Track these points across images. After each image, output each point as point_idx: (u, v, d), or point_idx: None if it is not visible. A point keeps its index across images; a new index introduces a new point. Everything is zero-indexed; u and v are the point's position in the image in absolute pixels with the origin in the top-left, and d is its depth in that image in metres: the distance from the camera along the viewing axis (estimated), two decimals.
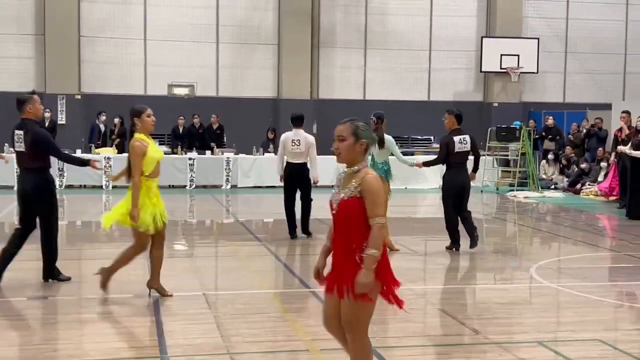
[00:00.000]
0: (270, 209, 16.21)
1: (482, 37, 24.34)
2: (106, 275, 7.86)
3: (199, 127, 21.16)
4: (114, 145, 20.33)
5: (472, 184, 11.06)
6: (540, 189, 19.80)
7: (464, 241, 10.72)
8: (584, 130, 21.31)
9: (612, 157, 17.99)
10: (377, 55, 24.35)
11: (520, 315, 7.57)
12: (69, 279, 8.53)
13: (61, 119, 21.80)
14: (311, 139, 11.70)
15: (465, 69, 24.96)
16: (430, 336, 6.77)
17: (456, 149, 10.65)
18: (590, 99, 24.68)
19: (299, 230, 11.83)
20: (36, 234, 8.52)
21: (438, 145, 12.47)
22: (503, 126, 21.14)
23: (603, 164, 19.23)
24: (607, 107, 21.48)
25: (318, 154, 11.83)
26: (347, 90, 24.22)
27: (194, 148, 20.26)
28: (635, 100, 23.16)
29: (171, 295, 7.79)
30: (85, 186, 19.12)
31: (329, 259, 4.72)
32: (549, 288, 8.76)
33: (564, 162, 20.97)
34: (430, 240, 12.21)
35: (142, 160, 7.51)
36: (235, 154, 20.17)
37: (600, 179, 19.12)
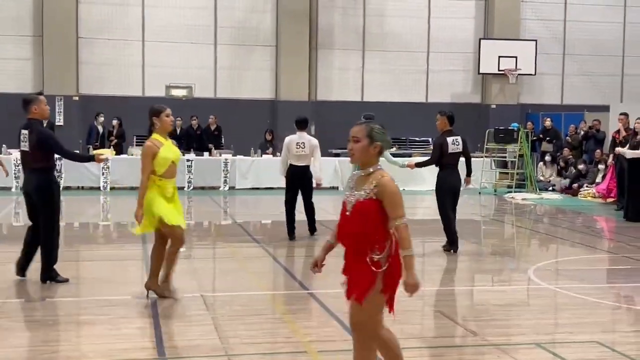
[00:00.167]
0: (268, 210, 16.23)
1: (480, 39, 24.36)
2: (166, 285, 7.74)
3: (197, 128, 21.17)
4: (111, 147, 20.31)
5: (469, 186, 11.12)
6: (538, 190, 19.82)
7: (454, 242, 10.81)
8: (582, 132, 21.33)
9: (610, 159, 18.01)
10: (375, 56, 24.37)
11: (518, 317, 7.58)
12: (67, 280, 8.52)
13: (59, 120, 21.78)
14: (315, 141, 11.79)
15: (463, 71, 24.98)
16: (427, 338, 6.77)
17: (450, 150, 10.73)
18: (588, 101, 24.71)
19: (300, 230, 11.87)
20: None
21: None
22: (501, 128, 21.15)
23: (601, 166, 19.25)
24: (605, 109, 21.50)
25: None
26: (345, 92, 24.23)
27: (192, 149, 20.26)
28: (633, 102, 23.18)
29: (169, 297, 7.79)
30: (83, 187, 19.12)
31: (327, 256, 4.76)
32: (546, 290, 8.77)
33: (561, 164, 20.99)
34: (427, 241, 12.21)
35: (151, 161, 7.49)
36: (233, 155, 20.17)
37: (598, 180, 19.14)
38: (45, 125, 9.47)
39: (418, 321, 7.27)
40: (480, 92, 25.10)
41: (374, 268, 4.53)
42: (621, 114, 17.46)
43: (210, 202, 17.69)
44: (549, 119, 22.15)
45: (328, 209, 14.50)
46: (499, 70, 24.14)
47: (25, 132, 8.39)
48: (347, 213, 4.63)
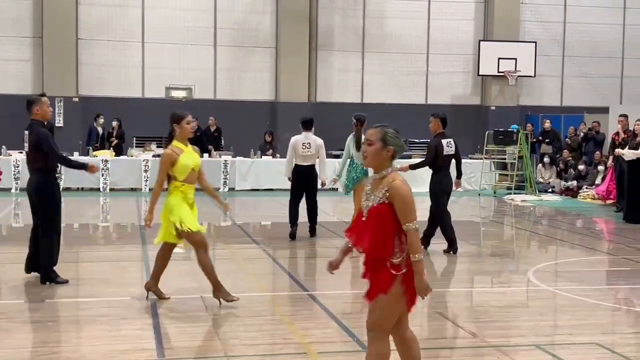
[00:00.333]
0: (268, 211, 16.23)
1: (479, 41, 24.37)
2: (217, 294, 7.67)
3: (197, 129, 21.13)
4: (111, 148, 20.33)
5: (459, 189, 11.21)
6: (537, 192, 19.82)
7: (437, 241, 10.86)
8: (581, 134, 21.34)
9: (610, 161, 18.02)
10: (375, 58, 24.37)
11: (517, 319, 7.59)
12: (66, 281, 8.52)
13: (59, 122, 21.77)
14: (320, 141, 11.90)
15: (463, 73, 24.98)
16: (427, 339, 6.77)
17: (444, 152, 10.77)
18: (587, 103, 24.72)
19: (300, 231, 11.90)
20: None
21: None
22: (500, 129, 21.16)
23: (600, 168, 19.26)
24: (605, 110, 21.51)
25: None
26: (345, 93, 24.23)
27: None
28: (633, 103, 23.21)
29: (168, 298, 7.79)
30: (82, 189, 19.12)
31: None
32: (546, 291, 8.77)
33: (561, 165, 20.99)
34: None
35: (168, 168, 7.47)
36: (232, 156, 20.18)
37: (597, 182, 19.15)
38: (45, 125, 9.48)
39: (418, 322, 7.27)
40: (480, 93, 25.10)
41: (393, 271, 4.58)
42: (621, 115, 17.47)
43: (210, 203, 17.61)
44: (548, 121, 22.16)
45: (328, 210, 14.51)
46: (498, 72, 24.14)
47: (26, 132, 8.47)
48: (364, 218, 4.66)
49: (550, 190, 20.48)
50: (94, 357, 6.02)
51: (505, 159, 21.61)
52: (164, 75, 22.68)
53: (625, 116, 17.19)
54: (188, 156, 7.57)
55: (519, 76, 24.32)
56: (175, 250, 11.62)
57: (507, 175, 21.45)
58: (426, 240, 10.80)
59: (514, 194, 19.85)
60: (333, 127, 20.02)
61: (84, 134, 20.97)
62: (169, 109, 23.56)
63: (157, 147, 21.04)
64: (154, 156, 19.82)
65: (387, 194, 4.55)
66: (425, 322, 7.41)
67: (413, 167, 11.41)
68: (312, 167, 11.92)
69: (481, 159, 21.51)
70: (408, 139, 23.83)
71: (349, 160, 11.97)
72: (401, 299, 4.65)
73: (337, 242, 11.30)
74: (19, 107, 9.88)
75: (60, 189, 8.81)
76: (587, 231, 14.37)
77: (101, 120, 20.70)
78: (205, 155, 20.11)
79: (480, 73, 24.41)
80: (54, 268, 8.55)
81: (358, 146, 10.84)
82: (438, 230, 11.03)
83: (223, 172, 19.71)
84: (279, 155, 20.47)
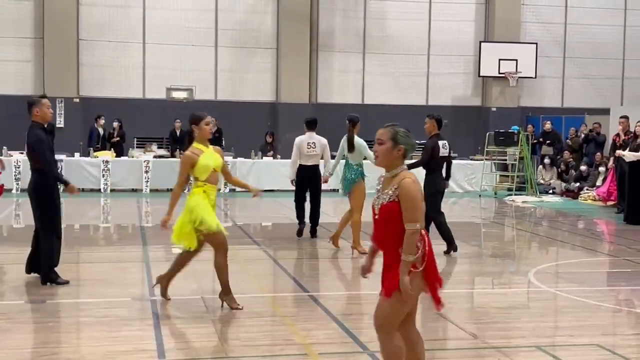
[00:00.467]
0: (269, 212, 16.22)
1: (480, 42, 24.37)
2: (224, 297, 7.63)
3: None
4: (112, 149, 20.33)
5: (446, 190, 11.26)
6: (538, 193, 19.82)
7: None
8: (582, 135, 21.34)
9: (611, 162, 18.01)
10: (376, 59, 24.37)
11: (518, 320, 7.58)
12: (67, 282, 8.52)
13: (60, 123, 21.79)
14: (324, 141, 12.07)
15: (464, 74, 24.98)
16: (428, 341, 6.73)
17: (440, 153, 10.77)
18: (588, 104, 24.72)
19: (305, 231, 11.95)
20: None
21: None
22: (501, 130, 21.15)
23: (601, 169, 19.26)
24: (606, 112, 21.50)
25: None
26: (346, 94, 24.23)
27: None
28: (634, 105, 23.20)
29: (169, 299, 7.79)
30: (83, 189, 19.10)
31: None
32: (547, 293, 8.77)
33: (562, 167, 20.99)
34: None
35: (189, 170, 7.46)
36: (233, 157, 20.17)
37: (598, 183, 19.15)
38: (46, 127, 9.47)
39: (418, 324, 7.23)
40: (481, 94, 25.10)
41: (411, 269, 4.58)
42: (621, 116, 17.47)
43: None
44: (549, 122, 22.16)
45: (328, 211, 14.50)
46: (499, 73, 24.13)
47: (26, 133, 8.49)
48: (376, 217, 4.68)
49: (551, 191, 20.48)
50: (94, 358, 6.02)
51: (506, 160, 21.60)
52: (165, 76, 22.69)
53: (626, 117, 17.19)
54: (208, 156, 7.55)
55: (519, 77, 24.31)
56: (175, 251, 11.62)
57: (507, 176, 21.45)
58: (448, 242, 10.81)
59: (515, 195, 19.84)
60: (334, 127, 19.91)
61: (85, 134, 20.98)
62: (169, 109, 23.67)
63: (158, 147, 21.05)
64: (155, 157, 19.84)
65: (397, 192, 4.57)
66: (425, 324, 7.41)
67: (409, 167, 11.41)
68: (317, 167, 12.06)
69: (482, 160, 21.51)
70: None
71: (343, 161, 12.00)
72: (417, 295, 4.68)
73: (338, 243, 11.28)
74: (19, 108, 9.88)
75: (61, 189, 8.79)
76: (587, 232, 14.37)
77: (102, 121, 20.70)
78: None
79: (481, 74, 24.41)
80: (55, 269, 8.55)
81: (351, 147, 10.89)
82: (436, 232, 11.02)
83: None
84: (279, 156, 20.47)
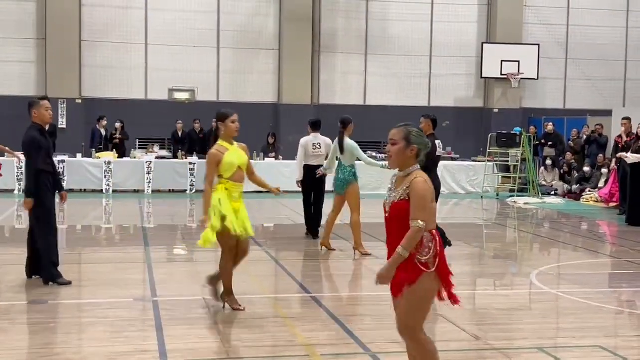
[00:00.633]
0: (271, 214, 16.22)
1: (482, 43, 24.36)
2: (226, 298, 7.59)
3: (200, 131, 21.18)
4: (114, 150, 20.35)
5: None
6: (540, 194, 19.80)
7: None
8: (584, 137, 21.33)
9: (613, 164, 18.00)
10: (378, 60, 24.37)
11: (520, 321, 7.57)
12: (69, 283, 8.52)
13: (62, 123, 21.82)
14: (329, 141, 12.12)
15: (466, 75, 24.98)
16: None
17: (437, 153, 10.77)
18: (590, 106, 24.72)
19: (301, 232, 11.96)
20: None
21: None
22: (503, 132, 21.14)
23: (604, 170, 19.24)
24: (608, 113, 21.49)
25: None
26: (348, 96, 24.22)
27: (195, 152, 20.27)
28: (636, 106, 23.19)
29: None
30: (85, 190, 19.14)
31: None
32: (549, 294, 8.76)
33: (564, 168, 20.97)
34: None
35: (215, 168, 7.44)
36: None
37: (600, 185, 19.13)
38: (48, 128, 9.49)
39: None
40: (483, 96, 25.09)
41: (424, 269, 4.56)
42: (624, 118, 17.47)
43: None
44: (551, 123, 22.15)
45: (328, 212, 14.47)
46: (501, 74, 24.13)
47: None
48: (386, 215, 4.68)
49: (553, 192, 20.46)
50: (96, 358, 6.02)
51: (508, 161, 21.58)
52: (167, 77, 22.71)
53: (629, 119, 17.18)
54: (233, 154, 7.59)
55: (521, 79, 24.31)
56: (177, 252, 11.62)
57: (509, 177, 21.43)
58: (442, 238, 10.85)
59: (517, 196, 19.83)
60: (336, 129, 19.96)
61: (87, 135, 21.00)
62: (171, 111, 23.65)
63: (160, 148, 21.06)
64: (157, 158, 19.84)
65: (408, 191, 4.58)
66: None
67: None
68: (321, 167, 12.04)
69: (484, 161, 21.50)
70: None
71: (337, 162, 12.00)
72: (432, 296, 4.65)
73: (338, 244, 11.29)
74: (22, 109, 9.86)
75: (57, 190, 8.73)
76: (590, 234, 14.35)
77: (104, 122, 20.72)
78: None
79: (483, 75, 24.40)
80: (57, 268, 8.54)
81: (341, 149, 10.96)
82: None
83: None
84: (281, 157, 20.47)
